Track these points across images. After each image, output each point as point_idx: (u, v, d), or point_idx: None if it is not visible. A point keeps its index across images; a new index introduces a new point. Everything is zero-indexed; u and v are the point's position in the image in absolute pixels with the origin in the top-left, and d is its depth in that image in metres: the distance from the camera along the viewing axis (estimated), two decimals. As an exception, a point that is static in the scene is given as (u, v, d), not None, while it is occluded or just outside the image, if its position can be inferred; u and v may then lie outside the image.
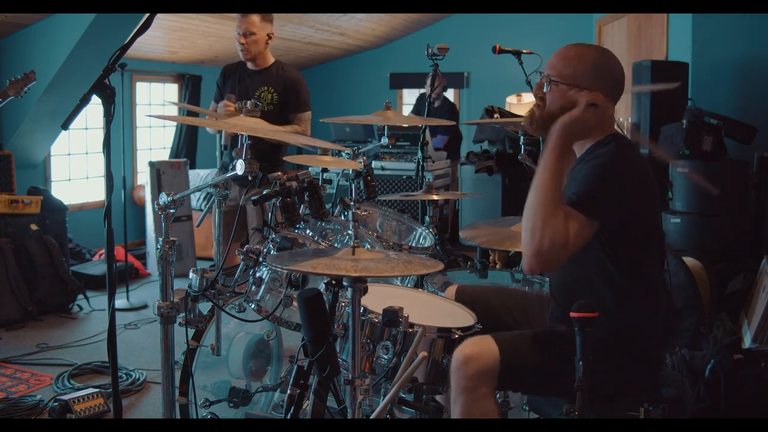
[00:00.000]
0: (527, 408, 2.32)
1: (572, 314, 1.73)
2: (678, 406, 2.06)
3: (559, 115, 2.00)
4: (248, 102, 2.40)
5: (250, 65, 4.02)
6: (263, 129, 2.33)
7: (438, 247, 3.14)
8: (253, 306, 2.39)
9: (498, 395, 2.50)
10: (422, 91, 7.44)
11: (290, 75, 4.04)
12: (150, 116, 5.16)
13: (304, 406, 2.08)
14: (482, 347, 1.96)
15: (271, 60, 4.04)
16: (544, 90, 2.07)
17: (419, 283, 2.85)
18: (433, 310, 2.35)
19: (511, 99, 7.70)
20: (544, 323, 2.23)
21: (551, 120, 2.01)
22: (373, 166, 3.59)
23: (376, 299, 2.21)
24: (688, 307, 3.54)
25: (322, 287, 2.13)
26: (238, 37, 3.89)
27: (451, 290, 2.50)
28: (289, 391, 2.07)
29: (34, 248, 4.98)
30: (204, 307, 2.46)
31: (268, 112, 3.76)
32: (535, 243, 1.83)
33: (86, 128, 6.65)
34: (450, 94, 8.04)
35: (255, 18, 3.87)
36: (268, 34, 3.95)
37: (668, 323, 2.16)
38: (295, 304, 2.29)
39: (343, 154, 3.33)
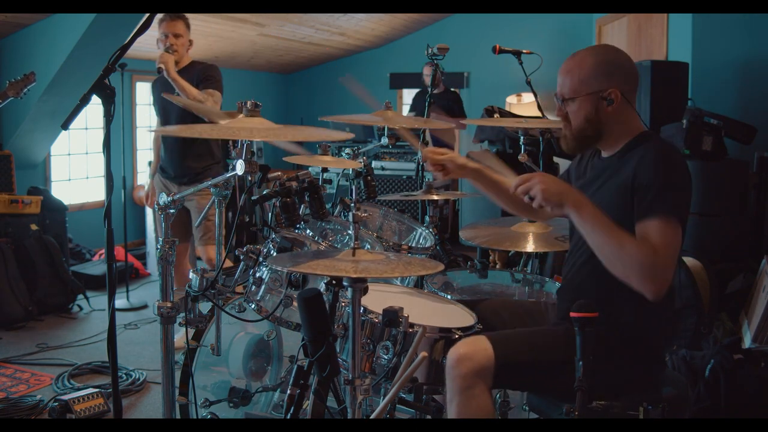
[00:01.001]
0: (527, 408, 2.32)
1: (572, 314, 1.73)
2: (678, 406, 2.06)
3: (586, 127, 2.02)
4: (248, 102, 2.39)
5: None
6: (263, 129, 2.33)
7: (438, 247, 3.14)
8: (253, 306, 2.39)
9: (498, 395, 2.51)
10: (418, 90, 7.44)
11: (203, 65, 4.18)
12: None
13: (304, 406, 2.08)
14: (476, 346, 1.96)
15: (188, 60, 4.18)
16: (564, 110, 2.07)
17: (419, 283, 2.85)
18: (433, 310, 2.35)
19: (511, 99, 7.70)
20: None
21: (583, 135, 2.04)
22: (373, 166, 3.58)
23: (376, 299, 2.21)
24: (688, 307, 3.55)
25: (322, 287, 2.13)
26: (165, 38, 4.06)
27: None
28: (289, 391, 2.07)
29: (34, 248, 4.98)
30: (204, 307, 2.46)
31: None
32: (645, 286, 1.82)
33: (86, 128, 6.65)
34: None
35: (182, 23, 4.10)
36: (189, 40, 4.17)
37: (672, 323, 2.17)
38: (295, 304, 2.29)
39: (343, 154, 3.33)
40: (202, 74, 4.06)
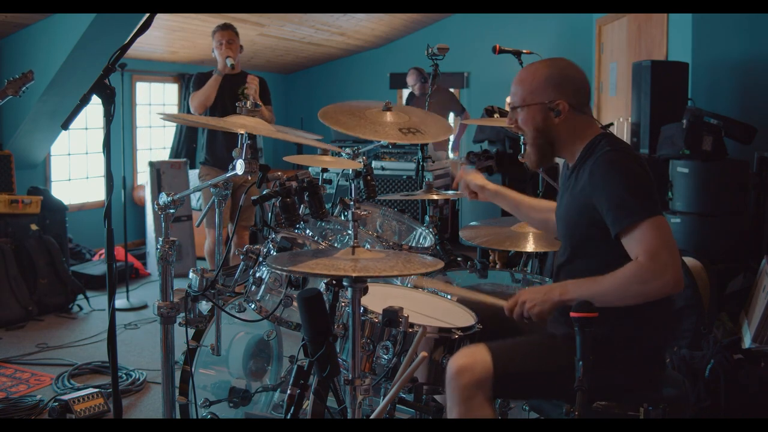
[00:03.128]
0: (527, 408, 2.32)
1: (572, 314, 1.73)
2: (678, 406, 2.06)
3: (536, 136, 2.09)
4: (248, 102, 2.39)
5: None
6: (263, 128, 2.33)
7: (438, 247, 3.14)
8: (253, 306, 2.39)
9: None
10: (409, 90, 7.45)
11: (261, 78, 4.86)
12: (160, 115, 5.16)
13: (304, 406, 2.08)
14: (475, 357, 1.97)
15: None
16: (514, 118, 2.13)
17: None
18: (433, 310, 2.35)
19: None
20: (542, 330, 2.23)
21: (537, 143, 2.11)
22: (373, 166, 3.59)
23: (376, 299, 2.21)
24: (688, 307, 3.55)
25: (322, 287, 2.13)
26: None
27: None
28: (289, 391, 2.07)
29: (34, 248, 4.98)
30: (204, 307, 2.46)
31: None
32: (659, 289, 1.87)
33: (86, 128, 6.65)
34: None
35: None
36: (240, 46, 4.77)
37: (671, 322, 2.18)
38: (295, 304, 2.29)
39: (343, 154, 3.33)
40: (264, 89, 4.79)
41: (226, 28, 4.65)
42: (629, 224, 1.88)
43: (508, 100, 7.32)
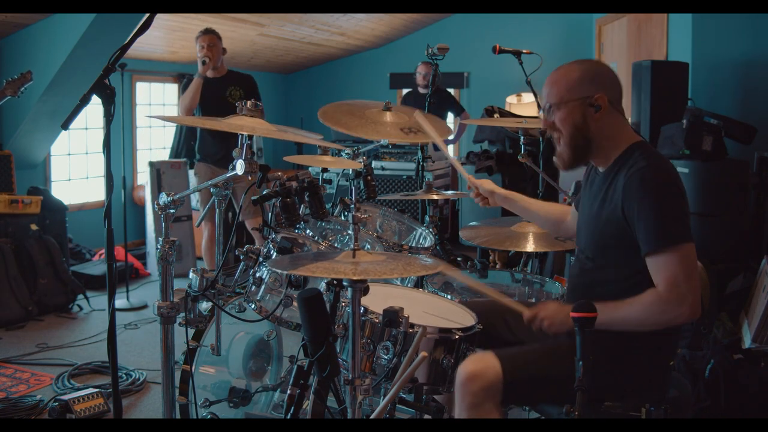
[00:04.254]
0: (527, 408, 2.32)
1: (572, 314, 1.73)
2: (680, 406, 2.06)
3: (576, 134, 2.04)
4: (248, 102, 2.39)
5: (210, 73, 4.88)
6: (263, 128, 2.33)
7: (438, 247, 3.14)
8: (253, 306, 2.39)
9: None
10: (407, 90, 7.43)
11: (247, 77, 5.06)
12: (150, 116, 5.17)
13: (304, 406, 2.08)
14: (485, 364, 1.98)
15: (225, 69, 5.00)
16: (550, 119, 2.09)
17: (419, 283, 2.85)
18: (433, 310, 2.35)
19: (511, 99, 7.70)
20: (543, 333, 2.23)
21: (575, 143, 2.06)
22: (373, 166, 3.59)
23: (377, 299, 2.21)
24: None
25: (322, 287, 2.13)
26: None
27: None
28: (289, 391, 2.07)
29: (34, 248, 4.98)
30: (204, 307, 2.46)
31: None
32: (679, 317, 1.91)
33: (86, 128, 6.65)
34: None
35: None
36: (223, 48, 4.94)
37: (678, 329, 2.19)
38: (295, 304, 2.29)
39: (343, 154, 3.33)
40: (250, 88, 4.94)
41: (207, 33, 4.82)
42: (656, 249, 1.90)
43: (508, 100, 7.30)
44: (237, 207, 4.83)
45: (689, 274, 1.89)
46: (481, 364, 1.99)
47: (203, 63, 4.73)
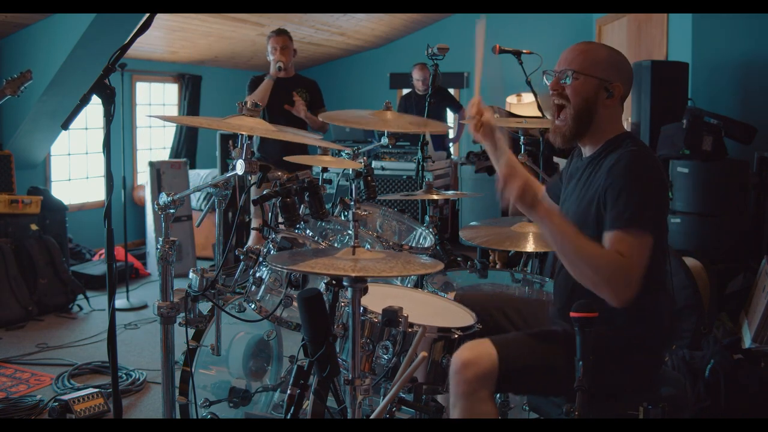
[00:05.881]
0: (527, 408, 2.32)
1: (572, 314, 1.73)
2: (678, 406, 2.06)
3: (583, 109, 2.01)
4: (248, 102, 2.39)
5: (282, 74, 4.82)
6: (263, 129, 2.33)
7: (438, 247, 3.14)
8: (253, 306, 2.39)
9: (499, 396, 2.51)
10: (407, 91, 7.43)
11: (314, 83, 5.08)
12: (150, 116, 5.16)
13: (304, 406, 2.08)
14: (480, 351, 1.96)
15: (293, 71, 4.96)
16: (563, 83, 2.04)
17: (419, 283, 2.85)
18: (433, 310, 2.35)
19: (511, 99, 7.70)
20: (542, 325, 2.23)
21: (579, 117, 2.02)
22: (373, 166, 3.60)
23: (376, 299, 2.21)
24: (688, 307, 3.55)
25: (322, 287, 2.13)
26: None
27: (449, 297, 2.51)
28: (289, 391, 2.07)
29: (34, 248, 4.98)
30: (204, 307, 2.46)
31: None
32: (613, 295, 1.84)
33: (86, 128, 6.65)
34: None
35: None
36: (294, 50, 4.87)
37: (670, 324, 2.17)
38: (295, 304, 2.29)
39: (343, 154, 3.33)
40: (316, 93, 5.03)
41: (280, 34, 4.77)
42: (624, 227, 1.87)
43: (508, 100, 7.30)
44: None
45: (642, 267, 1.85)
46: (476, 351, 1.96)
47: (279, 69, 4.69)
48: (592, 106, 2.03)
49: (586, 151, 2.13)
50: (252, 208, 4.57)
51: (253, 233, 4.71)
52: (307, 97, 4.91)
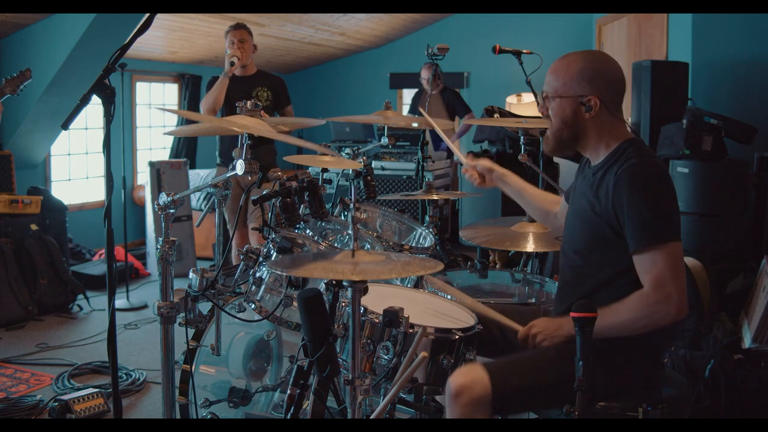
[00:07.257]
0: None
1: (572, 314, 1.73)
2: (677, 406, 2.06)
3: (562, 128, 2.06)
4: (248, 102, 2.39)
5: (238, 71, 4.57)
6: (263, 129, 2.33)
7: (438, 247, 3.14)
8: (253, 306, 2.39)
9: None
10: (416, 90, 7.44)
11: (278, 78, 4.79)
12: (162, 110, 5.15)
13: (304, 406, 2.08)
14: (473, 377, 1.97)
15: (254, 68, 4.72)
16: (546, 107, 2.11)
17: (419, 283, 2.85)
18: (434, 310, 2.35)
19: (511, 99, 7.70)
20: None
21: (559, 136, 2.09)
22: (373, 166, 3.60)
23: (377, 299, 2.21)
24: (688, 307, 3.54)
25: (322, 287, 2.13)
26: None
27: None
28: (289, 391, 2.07)
29: (34, 248, 4.98)
30: (204, 307, 2.46)
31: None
32: (667, 318, 1.92)
33: (86, 128, 6.65)
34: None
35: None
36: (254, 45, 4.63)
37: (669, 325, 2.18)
38: (295, 304, 2.29)
39: (343, 154, 3.33)
40: (279, 91, 4.75)
41: (238, 28, 4.50)
42: (643, 246, 1.91)
43: (508, 100, 7.33)
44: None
45: (676, 273, 1.90)
46: (469, 378, 1.98)
47: (231, 63, 4.33)
48: (573, 123, 2.06)
49: (592, 161, 2.14)
50: (251, 208, 4.54)
51: (252, 234, 4.66)
52: (268, 95, 4.64)
